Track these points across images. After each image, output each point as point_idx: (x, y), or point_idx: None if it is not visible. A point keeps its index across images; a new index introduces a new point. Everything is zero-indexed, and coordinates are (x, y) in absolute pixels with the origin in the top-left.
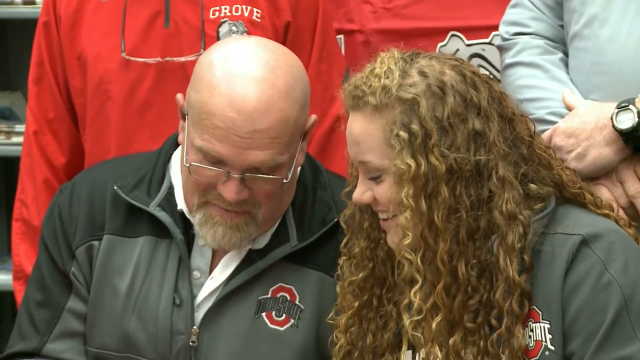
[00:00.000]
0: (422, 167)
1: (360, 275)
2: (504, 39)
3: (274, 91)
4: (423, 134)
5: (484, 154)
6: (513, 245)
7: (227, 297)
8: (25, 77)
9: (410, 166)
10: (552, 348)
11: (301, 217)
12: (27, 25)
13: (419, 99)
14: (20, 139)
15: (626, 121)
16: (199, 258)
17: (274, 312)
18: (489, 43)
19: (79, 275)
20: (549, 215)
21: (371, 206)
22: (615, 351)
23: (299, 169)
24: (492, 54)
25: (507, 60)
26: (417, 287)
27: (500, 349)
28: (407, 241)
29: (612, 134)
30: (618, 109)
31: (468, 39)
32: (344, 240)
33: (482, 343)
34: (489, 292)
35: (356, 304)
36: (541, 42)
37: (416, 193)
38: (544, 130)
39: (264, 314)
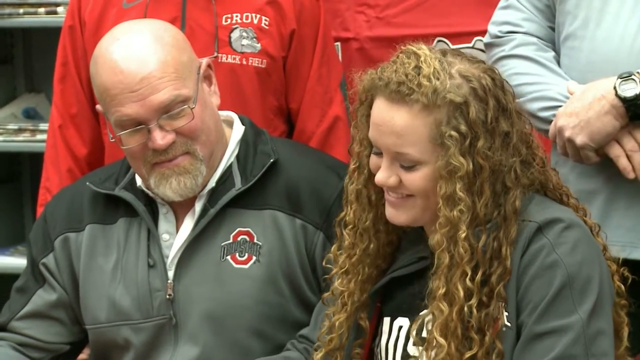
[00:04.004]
0: (471, 166)
1: (371, 245)
2: (496, 36)
3: (142, 43)
4: (472, 136)
5: (512, 155)
6: (514, 238)
7: (194, 249)
8: (48, 80)
9: (463, 165)
10: (509, 324)
11: (244, 167)
12: (49, 33)
13: (469, 103)
14: (43, 137)
15: (629, 90)
16: (165, 223)
17: (237, 254)
18: (472, 47)
19: (51, 265)
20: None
21: (384, 187)
22: (555, 320)
23: (237, 120)
24: None
25: (502, 53)
26: (469, 275)
27: (486, 326)
28: (464, 234)
29: (613, 102)
30: (621, 79)
31: (453, 44)
32: (352, 211)
33: (472, 317)
34: (487, 274)
35: (366, 269)
36: (534, 39)
37: (465, 189)
38: (549, 107)
39: (228, 257)
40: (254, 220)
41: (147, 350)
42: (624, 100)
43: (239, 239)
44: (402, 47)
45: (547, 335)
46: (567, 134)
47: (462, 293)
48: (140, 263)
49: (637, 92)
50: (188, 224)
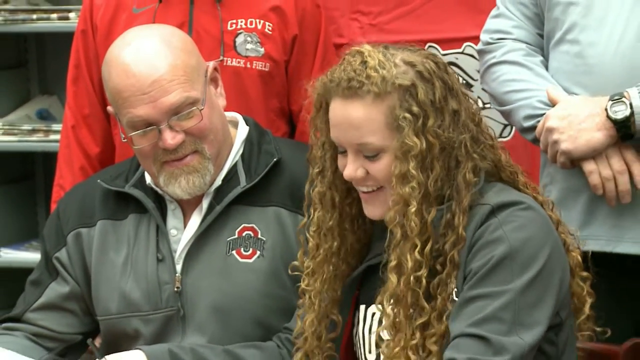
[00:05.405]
0: (424, 144)
1: (335, 243)
2: (488, 43)
3: (153, 47)
4: (423, 115)
5: (462, 132)
6: (466, 207)
7: (201, 244)
8: (61, 83)
9: (416, 144)
10: (456, 299)
11: (249, 165)
12: (62, 37)
13: (417, 85)
14: (56, 137)
15: (619, 112)
16: (173, 219)
17: (242, 249)
18: (462, 52)
19: (64, 259)
20: (479, 189)
21: (353, 182)
22: (489, 287)
23: (242, 121)
24: (464, 62)
25: (494, 60)
26: (418, 248)
27: (438, 291)
28: (414, 208)
29: (605, 122)
30: (612, 101)
31: (443, 50)
32: (316, 214)
33: (421, 286)
34: (441, 244)
35: (331, 268)
36: (523, 45)
37: (417, 167)
38: (532, 116)
39: (234, 252)
40: (258, 217)
41: (156, 341)
42: (614, 121)
43: (243, 234)
44: (347, 51)
45: (480, 298)
46: (555, 137)
47: (410, 264)
48: (150, 257)
49: (627, 115)
50: (195, 220)
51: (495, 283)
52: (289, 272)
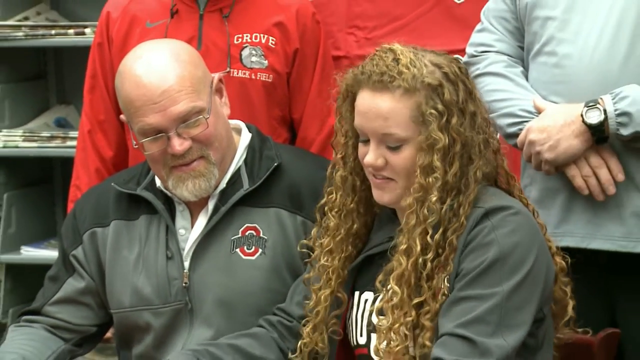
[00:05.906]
0: (447, 140)
1: (355, 225)
2: (473, 55)
3: (162, 60)
4: (447, 113)
5: (477, 133)
6: (472, 200)
7: (207, 243)
8: (77, 93)
9: (441, 138)
10: (448, 294)
11: (251, 169)
12: (78, 51)
13: (444, 85)
14: (73, 143)
15: (594, 117)
16: (182, 220)
17: (245, 247)
18: None
19: (80, 257)
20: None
21: (373, 168)
22: (480, 289)
23: (245, 128)
24: None
25: (478, 72)
26: (430, 234)
27: (436, 271)
28: (435, 197)
29: (580, 128)
30: (587, 107)
31: None
32: (337, 196)
33: (425, 268)
34: (445, 231)
35: (350, 247)
36: (505, 57)
37: (440, 159)
38: (514, 123)
39: (237, 250)
40: (260, 217)
41: (166, 332)
42: (589, 126)
43: (247, 233)
44: (377, 48)
45: (470, 299)
46: (537, 148)
47: (419, 247)
48: (160, 255)
49: (601, 120)
50: (202, 220)
51: (485, 286)
52: (298, 248)
